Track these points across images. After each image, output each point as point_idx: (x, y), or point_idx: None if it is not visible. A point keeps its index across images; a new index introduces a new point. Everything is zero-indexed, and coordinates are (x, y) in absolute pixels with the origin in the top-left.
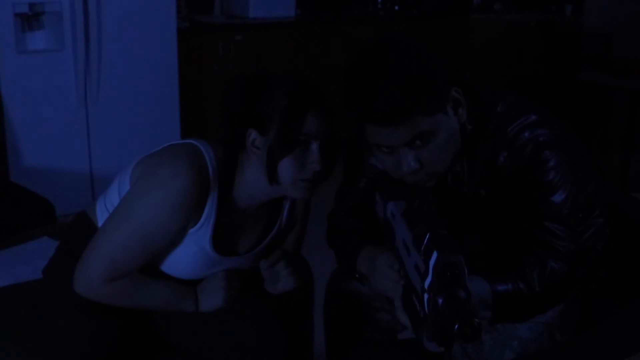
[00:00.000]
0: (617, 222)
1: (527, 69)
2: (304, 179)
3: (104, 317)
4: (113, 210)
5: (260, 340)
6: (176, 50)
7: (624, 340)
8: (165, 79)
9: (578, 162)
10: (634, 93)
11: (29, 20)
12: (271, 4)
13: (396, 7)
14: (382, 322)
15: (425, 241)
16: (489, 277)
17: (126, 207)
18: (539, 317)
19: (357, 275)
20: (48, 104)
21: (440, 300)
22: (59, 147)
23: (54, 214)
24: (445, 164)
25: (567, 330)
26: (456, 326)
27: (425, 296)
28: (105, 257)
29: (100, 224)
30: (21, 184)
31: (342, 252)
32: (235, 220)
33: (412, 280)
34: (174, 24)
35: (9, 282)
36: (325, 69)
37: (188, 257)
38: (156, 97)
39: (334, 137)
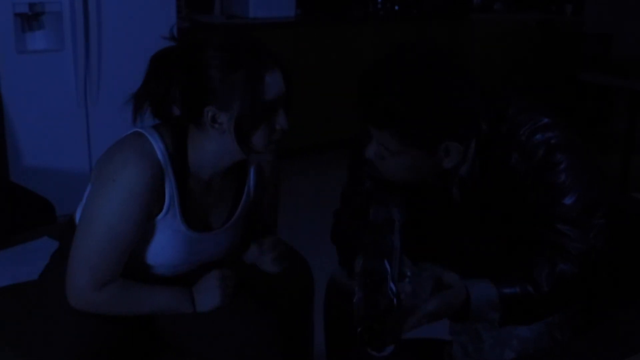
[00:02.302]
0: (617, 222)
1: (527, 69)
2: (273, 140)
3: (102, 317)
4: (80, 216)
5: (258, 339)
6: None
7: (624, 340)
8: None
9: (585, 163)
10: (634, 93)
11: (29, 20)
12: (271, 4)
13: (396, 7)
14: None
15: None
16: (496, 279)
17: (89, 211)
18: None
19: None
20: (48, 104)
21: (360, 307)
22: (59, 147)
23: (54, 214)
24: (393, 179)
25: (567, 329)
26: (359, 329)
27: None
28: (85, 264)
29: None
30: (21, 184)
31: (343, 253)
32: (202, 196)
33: None
34: (174, 24)
35: (8, 282)
36: (325, 69)
37: (167, 242)
38: None
39: (290, 89)
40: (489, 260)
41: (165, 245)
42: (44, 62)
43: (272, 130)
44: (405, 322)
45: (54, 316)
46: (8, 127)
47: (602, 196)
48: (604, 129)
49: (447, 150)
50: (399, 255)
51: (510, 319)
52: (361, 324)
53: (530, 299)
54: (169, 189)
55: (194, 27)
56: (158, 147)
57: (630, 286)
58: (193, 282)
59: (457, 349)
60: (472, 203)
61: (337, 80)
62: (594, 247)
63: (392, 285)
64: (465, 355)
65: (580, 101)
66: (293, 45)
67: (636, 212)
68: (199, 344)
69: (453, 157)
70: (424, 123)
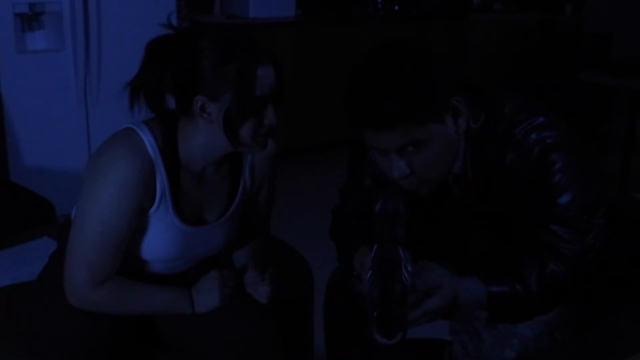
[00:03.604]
0: (617, 222)
1: (527, 69)
2: (261, 135)
3: (102, 317)
4: (74, 214)
5: (257, 338)
6: None
7: (624, 340)
8: None
9: (583, 163)
10: (634, 93)
11: (29, 20)
12: (271, 4)
13: (396, 7)
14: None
15: (373, 237)
16: (486, 278)
17: (81, 209)
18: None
19: (355, 273)
20: (48, 104)
21: (374, 292)
22: (59, 147)
23: (54, 214)
24: (438, 172)
25: (567, 329)
26: (375, 313)
27: (367, 288)
28: (81, 261)
29: None
30: (21, 184)
31: (343, 250)
32: (196, 189)
33: None
34: (174, 24)
35: (8, 282)
36: (325, 69)
37: (161, 236)
38: None
39: (282, 87)
40: (486, 258)
41: (159, 240)
42: (44, 62)
43: (260, 125)
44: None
45: (53, 316)
46: (8, 127)
47: (601, 196)
48: (604, 129)
49: (455, 109)
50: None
51: (498, 317)
52: (377, 308)
53: (519, 299)
54: (160, 182)
55: (194, 27)
56: (148, 141)
57: (630, 286)
58: (192, 282)
59: (457, 348)
60: (470, 202)
61: (337, 80)
62: (590, 248)
63: (405, 272)
64: (465, 354)
65: (580, 101)
66: (293, 45)
67: (636, 212)
68: (199, 344)
69: (463, 114)
70: (430, 91)
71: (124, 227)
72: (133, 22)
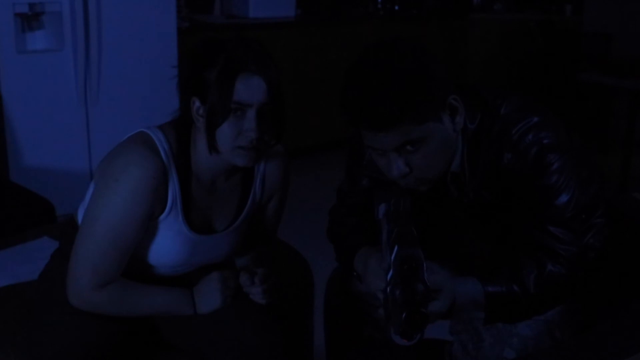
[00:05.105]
0: (617, 222)
1: (527, 69)
2: (242, 146)
3: (103, 317)
4: (83, 216)
5: (258, 339)
6: (176, 50)
7: (624, 339)
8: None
9: (581, 163)
10: (634, 93)
11: (29, 20)
12: (271, 4)
13: (396, 7)
14: (381, 321)
15: (392, 237)
16: (484, 278)
17: (91, 211)
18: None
19: (355, 274)
20: (48, 104)
21: (397, 292)
22: (59, 147)
23: (54, 214)
24: (436, 170)
25: (566, 329)
26: (404, 315)
27: (388, 289)
28: (87, 264)
29: None
30: (21, 184)
31: (341, 250)
32: (206, 198)
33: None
34: (174, 24)
35: (8, 282)
36: (325, 69)
37: (168, 243)
38: (156, 97)
39: (273, 102)
40: (485, 258)
41: (167, 246)
42: (44, 62)
43: (239, 134)
44: None
45: (54, 316)
46: (8, 127)
47: (600, 195)
48: (604, 129)
49: (452, 107)
50: None
51: (495, 317)
52: (405, 309)
53: (516, 299)
54: (172, 189)
55: (194, 27)
56: (162, 147)
57: (631, 286)
58: (194, 283)
59: (457, 348)
60: (468, 202)
61: (337, 81)
62: (589, 247)
63: (425, 271)
64: (465, 354)
65: (580, 101)
66: (293, 45)
67: (636, 212)
68: (199, 344)
69: (460, 112)
70: (426, 90)
71: (132, 232)
72: (133, 21)
